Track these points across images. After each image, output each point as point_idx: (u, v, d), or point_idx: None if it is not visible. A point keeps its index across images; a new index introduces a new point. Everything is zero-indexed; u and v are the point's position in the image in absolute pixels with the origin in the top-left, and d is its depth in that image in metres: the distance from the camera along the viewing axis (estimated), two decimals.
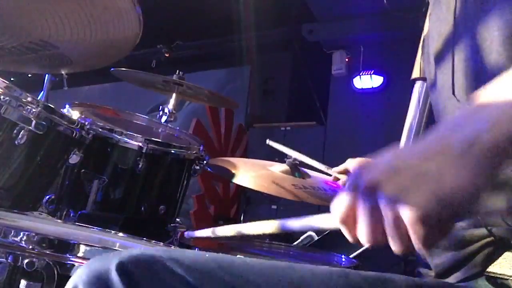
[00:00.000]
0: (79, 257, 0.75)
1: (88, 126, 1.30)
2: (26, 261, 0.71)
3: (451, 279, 0.75)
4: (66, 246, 0.76)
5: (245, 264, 0.65)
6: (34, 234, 0.75)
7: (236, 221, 4.06)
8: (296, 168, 1.47)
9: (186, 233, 1.08)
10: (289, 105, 5.22)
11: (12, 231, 0.75)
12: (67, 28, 1.37)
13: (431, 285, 0.74)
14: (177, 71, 1.98)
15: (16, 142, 1.12)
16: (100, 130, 1.35)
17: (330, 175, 1.45)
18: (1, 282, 0.74)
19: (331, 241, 1.95)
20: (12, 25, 1.36)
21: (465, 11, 0.81)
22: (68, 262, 0.74)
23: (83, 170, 1.34)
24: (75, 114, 1.37)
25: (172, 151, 1.46)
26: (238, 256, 1.21)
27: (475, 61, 0.76)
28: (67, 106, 1.44)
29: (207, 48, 5.78)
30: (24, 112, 1.12)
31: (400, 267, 1.92)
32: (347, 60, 5.04)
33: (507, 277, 0.67)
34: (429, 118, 1.66)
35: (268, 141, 1.59)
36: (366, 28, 4.68)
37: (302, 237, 1.84)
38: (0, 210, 0.96)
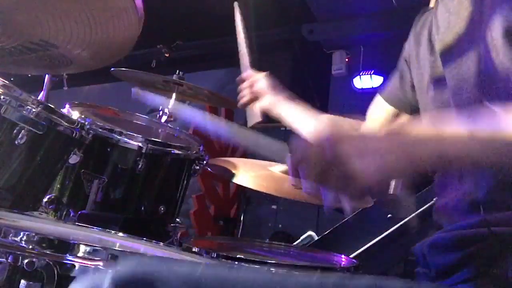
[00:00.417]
0: (79, 257, 0.75)
1: (88, 126, 1.30)
2: (26, 261, 0.71)
3: (452, 280, 0.74)
4: (66, 246, 0.76)
5: (240, 277, 0.65)
6: (34, 234, 0.75)
7: (236, 221, 4.06)
8: None
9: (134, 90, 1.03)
10: None
11: (12, 231, 0.74)
12: (67, 28, 1.37)
13: None
14: (177, 71, 1.98)
15: (16, 142, 1.12)
16: (100, 130, 1.35)
17: None
18: (1, 282, 0.74)
19: (331, 241, 1.95)
20: (12, 25, 1.36)
21: (482, 8, 0.80)
22: (68, 262, 0.74)
23: (83, 170, 1.34)
24: (75, 114, 1.37)
25: (172, 151, 1.46)
26: (238, 256, 1.21)
27: (486, 61, 0.76)
28: (67, 106, 1.44)
29: (207, 48, 5.78)
30: (24, 112, 1.12)
31: (400, 267, 1.92)
32: (347, 60, 5.04)
33: (509, 278, 0.67)
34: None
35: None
36: (366, 28, 4.68)
37: (302, 237, 1.84)
38: (0, 210, 0.96)
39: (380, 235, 1.77)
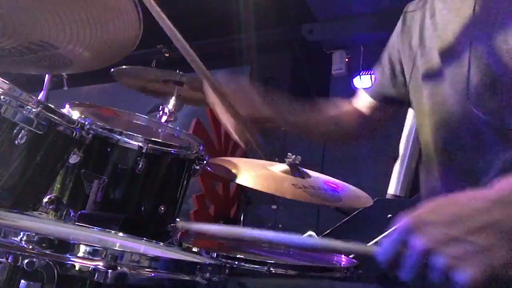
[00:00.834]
0: (79, 257, 0.75)
1: (88, 126, 1.30)
2: (26, 261, 0.71)
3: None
4: (66, 246, 0.76)
5: None
6: (34, 234, 0.74)
7: (236, 221, 4.05)
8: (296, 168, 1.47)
9: (180, 223, 1.07)
10: None
11: (12, 231, 0.74)
12: (67, 28, 1.37)
13: None
14: (177, 71, 1.98)
15: (16, 142, 1.12)
16: (100, 130, 1.35)
17: None
18: (1, 282, 0.74)
19: None
20: (12, 26, 1.36)
21: (488, 8, 0.80)
22: (68, 262, 0.74)
23: (83, 170, 1.34)
24: (75, 114, 1.37)
25: (172, 151, 1.46)
26: (238, 256, 1.21)
27: (492, 65, 0.75)
28: (67, 106, 1.44)
29: (207, 48, 5.77)
30: (24, 112, 1.12)
31: None
32: (347, 60, 5.03)
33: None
34: None
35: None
36: (366, 28, 4.68)
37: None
38: (0, 210, 0.96)
39: (380, 235, 1.77)
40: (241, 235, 0.78)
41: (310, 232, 1.84)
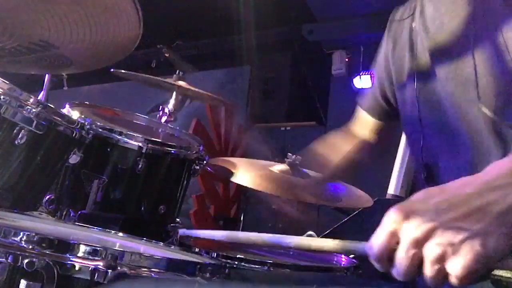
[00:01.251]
0: (79, 257, 0.75)
1: (88, 126, 1.30)
2: (26, 261, 0.71)
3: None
4: (66, 246, 0.76)
5: None
6: (34, 234, 0.74)
7: (236, 221, 4.06)
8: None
9: (181, 231, 1.08)
10: (289, 105, 5.21)
11: (12, 231, 0.74)
12: (67, 28, 1.37)
13: None
14: (177, 71, 1.98)
15: (16, 142, 1.12)
16: (100, 130, 1.35)
17: None
18: (1, 282, 0.74)
19: None
20: (12, 26, 1.36)
21: (487, 6, 0.80)
22: (68, 262, 0.74)
23: (83, 170, 1.34)
24: (75, 114, 1.37)
25: (172, 151, 1.46)
26: (238, 256, 1.21)
27: (499, 62, 0.75)
28: (67, 106, 1.44)
29: (207, 48, 5.78)
30: (24, 112, 1.12)
31: None
32: (347, 60, 5.03)
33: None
34: None
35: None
36: (366, 28, 4.68)
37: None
38: (0, 210, 0.96)
39: None
40: (241, 239, 0.78)
41: (310, 232, 1.84)
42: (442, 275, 0.52)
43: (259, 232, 0.85)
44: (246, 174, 1.45)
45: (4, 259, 0.72)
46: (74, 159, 1.27)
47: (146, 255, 0.84)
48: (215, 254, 1.16)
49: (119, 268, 0.74)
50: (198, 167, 1.53)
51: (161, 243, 1.09)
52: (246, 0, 4.34)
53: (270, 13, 4.55)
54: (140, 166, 1.37)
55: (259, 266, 1.16)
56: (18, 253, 0.72)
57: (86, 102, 1.55)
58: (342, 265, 1.35)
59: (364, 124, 1.37)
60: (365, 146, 1.36)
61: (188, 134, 1.73)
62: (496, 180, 0.54)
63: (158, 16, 3.54)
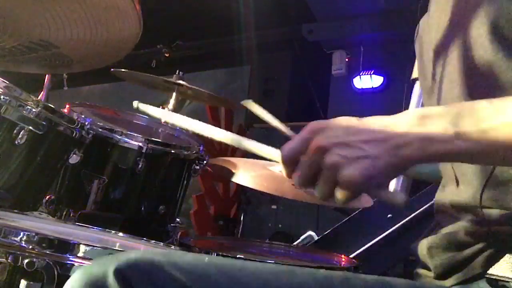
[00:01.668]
0: (79, 257, 0.75)
1: (88, 126, 1.30)
2: (26, 261, 0.71)
3: (451, 281, 0.74)
4: (66, 246, 0.76)
5: (246, 269, 0.65)
6: (34, 234, 0.75)
7: (236, 221, 4.06)
8: None
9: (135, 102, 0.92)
10: (289, 105, 5.21)
11: (12, 231, 0.74)
12: (67, 28, 1.37)
13: None
14: (177, 71, 1.98)
15: (16, 142, 1.12)
16: (100, 130, 1.35)
17: None
18: (1, 282, 0.74)
19: (331, 241, 1.95)
20: (13, 25, 1.36)
21: (461, 3, 0.80)
22: (68, 262, 0.74)
23: (83, 170, 1.34)
24: (75, 114, 1.37)
25: (172, 151, 1.46)
26: (238, 256, 1.21)
27: (466, 58, 0.75)
28: (67, 106, 1.44)
29: (207, 48, 5.78)
30: (24, 112, 1.12)
31: (400, 267, 1.92)
32: (347, 60, 5.03)
33: (508, 280, 0.67)
34: None
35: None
36: (366, 28, 4.68)
37: (302, 237, 1.84)
38: (0, 210, 0.96)
39: (380, 235, 1.77)
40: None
41: (310, 232, 1.84)
42: (330, 183, 0.61)
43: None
44: (246, 174, 1.45)
45: (4, 259, 0.72)
46: (74, 159, 1.27)
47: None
48: (215, 254, 1.16)
49: None
50: (198, 167, 1.53)
51: (161, 243, 1.09)
52: (246, 0, 4.34)
53: (270, 13, 4.55)
54: (140, 166, 1.37)
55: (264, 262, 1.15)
56: (18, 253, 0.72)
57: (86, 102, 1.56)
58: (342, 265, 1.35)
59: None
60: None
61: (188, 134, 1.73)
62: (402, 124, 0.62)
63: (158, 16, 3.54)
